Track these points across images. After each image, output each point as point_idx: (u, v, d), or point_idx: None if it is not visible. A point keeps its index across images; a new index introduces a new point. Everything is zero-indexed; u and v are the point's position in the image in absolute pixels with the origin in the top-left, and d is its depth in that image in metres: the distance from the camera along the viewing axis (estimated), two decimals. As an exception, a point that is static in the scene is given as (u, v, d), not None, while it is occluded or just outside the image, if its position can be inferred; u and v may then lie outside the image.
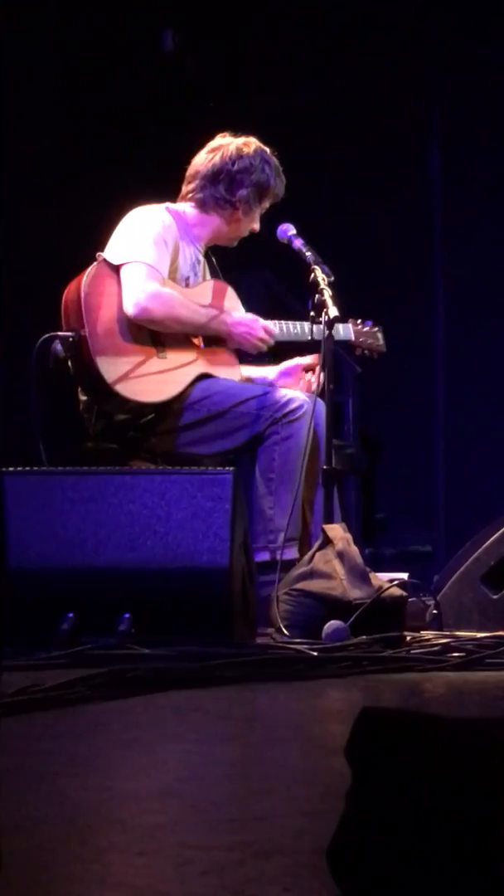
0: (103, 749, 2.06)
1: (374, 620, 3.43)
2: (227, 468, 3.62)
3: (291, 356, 4.46)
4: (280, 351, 4.45)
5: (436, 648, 3.31)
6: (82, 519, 3.44)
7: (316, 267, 4.01)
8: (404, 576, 3.95)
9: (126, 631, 3.23)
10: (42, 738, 2.13)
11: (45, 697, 2.42)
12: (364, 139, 6.26)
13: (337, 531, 3.66)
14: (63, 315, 4.01)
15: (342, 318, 3.97)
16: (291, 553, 3.93)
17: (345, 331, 4.40)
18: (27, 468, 3.54)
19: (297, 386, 4.26)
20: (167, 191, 4.38)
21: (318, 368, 4.00)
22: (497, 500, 5.17)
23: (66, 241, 4.68)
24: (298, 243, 4.15)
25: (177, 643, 3.13)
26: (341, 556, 3.59)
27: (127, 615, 3.25)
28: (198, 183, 4.27)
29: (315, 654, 3.12)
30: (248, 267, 4.80)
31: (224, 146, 4.28)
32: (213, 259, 4.41)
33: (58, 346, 3.97)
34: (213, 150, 4.29)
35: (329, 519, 3.76)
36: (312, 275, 3.99)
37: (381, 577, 3.72)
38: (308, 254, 4.08)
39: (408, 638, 3.48)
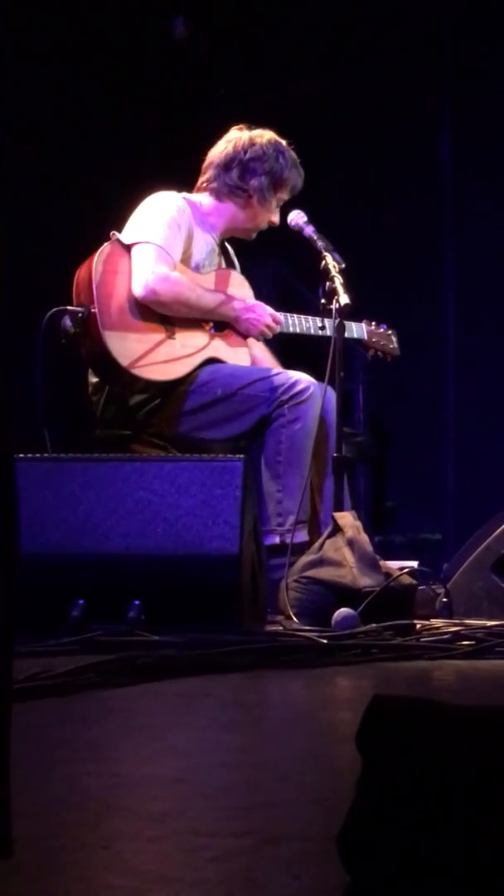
0: (113, 735, 2.07)
1: (383, 608, 3.43)
2: (237, 455, 3.62)
3: (299, 349, 4.46)
4: (288, 344, 4.45)
5: (446, 636, 3.31)
6: (92, 506, 3.44)
7: (327, 254, 4.00)
8: (414, 564, 3.94)
9: (136, 618, 3.23)
10: (52, 725, 2.13)
11: (55, 684, 2.43)
12: (374, 125, 6.24)
13: (347, 519, 3.66)
14: (74, 292, 4.01)
15: (352, 311, 3.96)
16: (301, 536, 3.93)
17: (358, 330, 4.42)
18: (37, 455, 3.54)
19: None
20: (177, 174, 4.38)
21: (329, 357, 3.99)
22: (507, 489, 5.16)
23: (76, 223, 4.67)
24: (309, 230, 4.14)
25: (186, 630, 3.14)
26: (351, 543, 3.59)
27: (137, 602, 3.25)
28: (212, 172, 4.28)
29: (325, 641, 3.12)
30: (259, 255, 4.79)
31: (238, 137, 4.29)
32: (230, 250, 4.41)
33: (67, 322, 3.97)
34: (227, 140, 4.30)
35: (339, 507, 3.75)
36: (323, 262, 3.98)
37: (391, 565, 3.72)
38: (319, 241, 4.07)
39: (417, 626, 3.48)
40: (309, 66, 6.17)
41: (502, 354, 6.26)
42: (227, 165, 4.26)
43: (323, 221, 4.22)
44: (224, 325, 4.22)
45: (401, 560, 4.08)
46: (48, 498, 3.43)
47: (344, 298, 3.86)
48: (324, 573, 3.55)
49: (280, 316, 4.24)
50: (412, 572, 3.71)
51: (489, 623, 3.55)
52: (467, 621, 3.66)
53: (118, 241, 4.06)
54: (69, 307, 3.98)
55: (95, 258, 4.00)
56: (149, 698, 2.47)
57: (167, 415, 4.05)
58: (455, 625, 3.56)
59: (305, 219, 4.19)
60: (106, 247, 4.04)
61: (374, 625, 3.35)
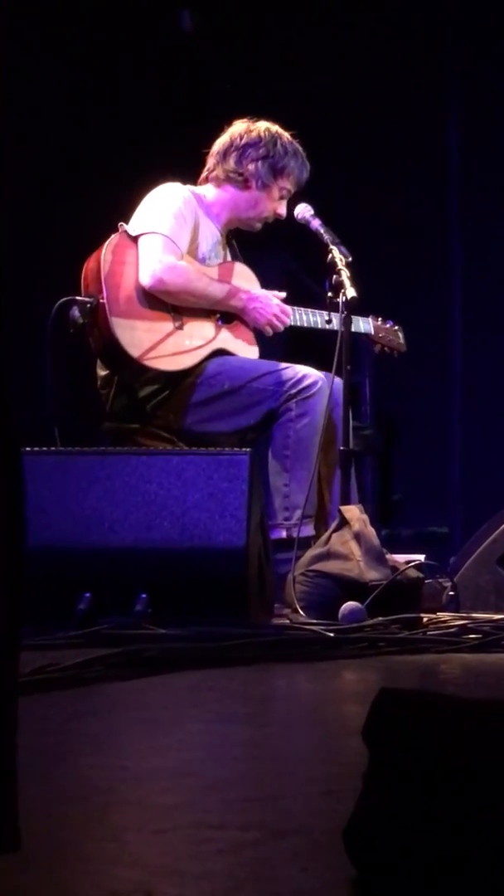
0: (119, 728, 2.07)
1: (390, 602, 3.43)
2: (243, 449, 3.62)
3: (306, 342, 4.46)
4: (294, 337, 4.45)
5: (452, 630, 3.31)
6: (99, 499, 3.45)
7: (334, 247, 3.99)
8: (421, 557, 3.94)
9: (142, 611, 3.23)
10: (59, 718, 2.13)
11: (62, 677, 2.43)
12: (380, 117, 6.23)
13: (354, 512, 3.66)
14: (82, 283, 4.02)
15: (359, 305, 3.96)
16: (308, 530, 3.94)
17: (365, 325, 4.43)
18: (43, 448, 3.55)
19: None
20: (183, 167, 4.38)
21: (336, 350, 3.99)
22: (514, 482, 5.16)
23: (81, 215, 4.67)
24: (316, 224, 4.14)
25: (193, 623, 3.14)
26: (358, 537, 3.59)
27: (143, 595, 3.26)
28: (211, 162, 4.31)
29: (331, 634, 3.12)
30: (265, 248, 4.78)
31: (236, 126, 4.31)
32: (235, 243, 4.41)
33: (75, 312, 3.97)
34: (225, 133, 4.32)
35: (346, 500, 3.75)
36: (330, 255, 3.98)
37: (398, 559, 3.72)
38: (326, 234, 4.07)
39: (424, 619, 3.48)
40: (314, 58, 6.15)
41: (510, 347, 6.25)
42: (224, 153, 4.28)
43: (329, 214, 4.21)
44: (232, 316, 4.23)
45: (407, 553, 4.07)
46: (55, 491, 3.44)
47: (350, 292, 3.86)
48: (331, 566, 3.55)
49: (288, 309, 4.24)
50: (419, 566, 3.71)
51: (496, 616, 3.55)
52: (474, 615, 3.66)
53: (125, 232, 4.07)
54: (78, 297, 3.99)
55: (104, 249, 4.01)
56: (155, 691, 2.47)
57: (175, 406, 4.05)
58: (462, 618, 3.56)
59: (312, 212, 4.19)
60: (114, 238, 4.05)
61: (380, 618, 3.35)
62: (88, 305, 3.95)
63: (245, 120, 4.32)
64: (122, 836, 1.30)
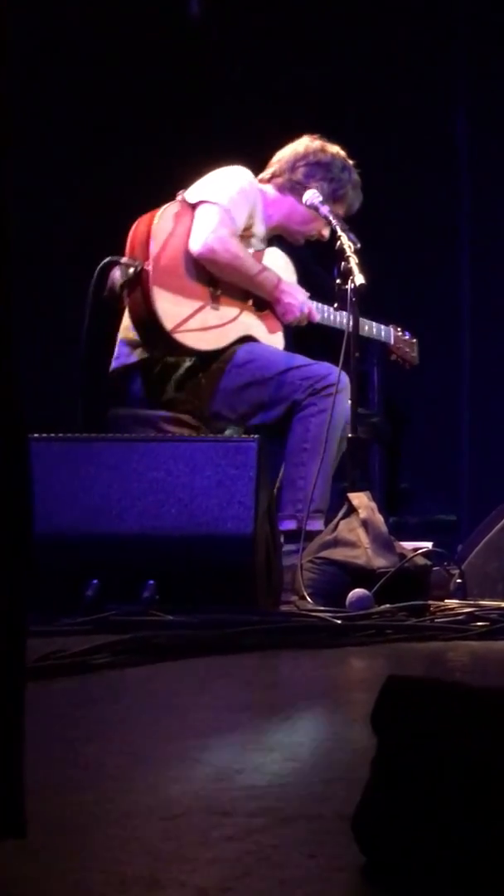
0: (127, 715, 2.07)
1: (398, 589, 3.43)
2: (251, 436, 3.61)
3: (314, 329, 4.47)
4: (305, 332, 4.45)
5: (460, 617, 3.31)
6: (107, 486, 3.44)
7: (342, 234, 3.99)
8: (428, 545, 3.94)
9: (150, 598, 3.23)
10: (66, 704, 2.13)
11: (69, 663, 2.43)
12: (389, 104, 6.21)
13: (362, 499, 3.66)
14: (128, 246, 4.01)
15: (367, 294, 3.95)
16: (317, 525, 3.94)
17: (386, 334, 4.48)
18: (52, 434, 3.54)
19: None
20: (190, 154, 4.39)
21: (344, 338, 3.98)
22: (522, 470, 5.15)
23: (87, 208, 4.66)
24: (325, 210, 4.14)
25: (200, 610, 3.14)
26: (366, 524, 3.59)
27: (151, 582, 3.26)
28: (278, 167, 4.37)
29: (339, 622, 3.12)
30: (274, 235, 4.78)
31: (310, 142, 4.38)
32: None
33: (116, 274, 3.96)
34: (299, 143, 4.39)
35: (354, 487, 3.75)
36: (339, 242, 3.97)
37: (406, 546, 3.72)
38: (334, 221, 4.07)
39: (432, 607, 3.48)
40: (324, 45, 6.13)
41: (519, 335, 6.24)
42: (294, 164, 4.33)
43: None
44: (264, 304, 4.25)
45: (415, 541, 4.07)
46: (62, 478, 3.44)
47: (359, 279, 3.85)
48: (338, 554, 3.55)
49: (316, 313, 4.27)
50: (426, 553, 3.71)
51: (503, 604, 3.55)
52: (482, 602, 3.66)
53: (184, 200, 4.07)
54: (123, 259, 3.96)
55: (157, 215, 4.01)
56: (163, 678, 2.47)
57: (202, 391, 4.05)
58: (469, 606, 3.55)
59: (321, 198, 4.18)
60: (170, 205, 4.05)
61: (388, 605, 3.35)
62: (131, 270, 3.93)
63: (317, 138, 4.38)
64: (130, 822, 1.30)
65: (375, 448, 5.57)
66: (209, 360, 4.05)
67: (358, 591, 3.38)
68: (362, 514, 3.61)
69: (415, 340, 4.61)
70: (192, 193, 4.11)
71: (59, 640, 2.63)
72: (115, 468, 3.46)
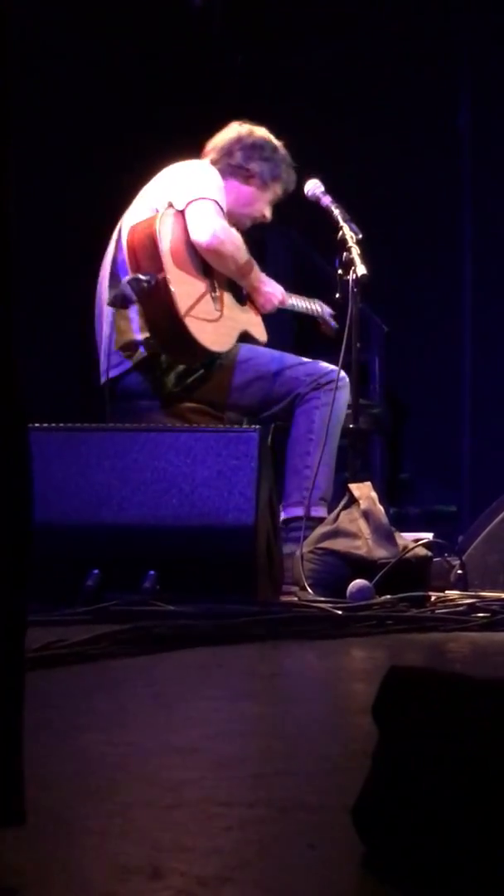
0: (127, 705, 2.07)
1: (398, 580, 3.43)
2: (252, 427, 3.61)
3: (315, 322, 4.48)
4: (301, 327, 4.45)
5: (460, 608, 3.31)
6: (108, 476, 3.44)
7: (344, 225, 3.99)
8: (429, 536, 3.94)
9: (151, 588, 3.23)
10: (66, 694, 2.13)
11: (69, 653, 2.43)
12: (392, 93, 6.20)
13: (363, 490, 3.66)
14: (131, 261, 3.98)
15: (369, 282, 3.96)
16: (321, 511, 3.97)
17: (321, 308, 4.51)
18: (52, 424, 3.54)
19: None
20: (194, 143, 4.38)
21: (346, 328, 3.99)
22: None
23: (89, 195, 4.66)
24: (326, 201, 4.13)
25: (201, 600, 3.14)
26: (367, 515, 3.59)
27: (152, 572, 3.26)
28: (214, 154, 4.35)
29: (339, 612, 3.12)
30: (274, 226, 4.78)
31: (239, 126, 4.38)
32: None
33: (127, 290, 3.94)
34: (229, 129, 4.38)
35: (355, 478, 3.76)
36: (340, 233, 3.97)
37: (406, 537, 3.72)
38: (336, 211, 4.06)
39: (432, 598, 3.48)
40: (326, 33, 6.12)
41: (520, 326, 6.24)
42: (230, 148, 4.33)
43: (340, 191, 4.20)
44: (244, 296, 4.27)
45: (416, 532, 4.07)
46: (64, 468, 3.44)
47: (361, 269, 3.85)
48: (339, 544, 3.55)
49: (287, 298, 4.32)
50: (427, 544, 3.71)
51: (504, 595, 3.55)
52: (482, 593, 3.66)
53: (172, 207, 4.05)
54: (140, 275, 3.94)
55: (157, 226, 3.98)
56: (163, 668, 2.47)
57: (217, 387, 4.08)
58: (470, 597, 3.56)
59: (322, 189, 4.18)
60: (162, 214, 4.02)
61: (388, 596, 3.35)
62: (146, 284, 3.91)
63: (244, 122, 4.39)
64: (130, 812, 1.30)
65: (376, 439, 5.58)
66: (221, 356, 4.08)
67: (359, 582, 3.38)
68: (363, 504, 3.61)
69: (334, 312, 4.64)
70: (176, 199, 4.07)
71: (59, 630, 2.63)
72: (116, 458, 3.46)
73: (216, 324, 4.07)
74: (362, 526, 3.57)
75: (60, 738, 1.70)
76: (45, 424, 3.52)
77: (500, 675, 1.18)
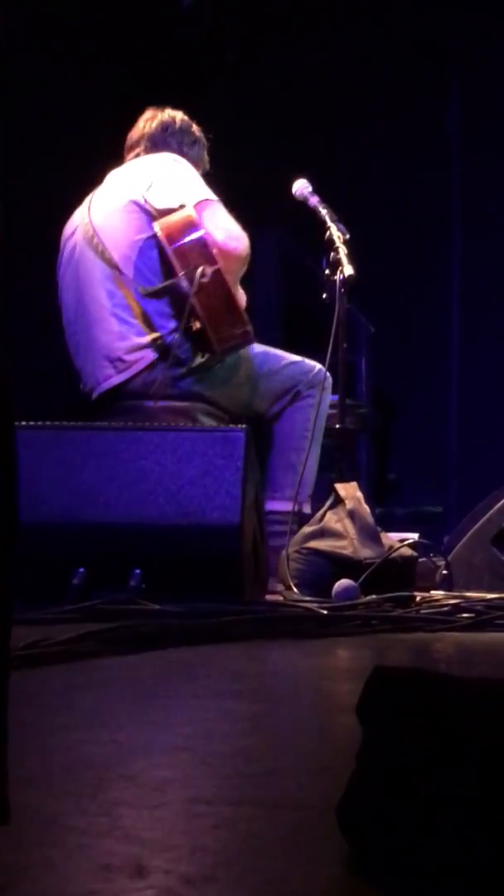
0: (113, 703, 2.07)
1: (384, 580, 3.44)
2: (239, 426, 3.62)
3: (302, 322, 4.48)
4: (291, 317, 4.45)
5: (446, 609, 3.32)
6: (94, 474, 3.44)
7: (332, 225, 3.99)
8: (415, 536, 3.95)
9: (137, 587, 3.24)
10: (52, 692, 2.13)
11: (55, 652, 2.43)
12: (381, 95, 6.21)
13: (349, 490, 3.66)
14: (178, 260, 3.93)
15: (356, 283, 3.95)
16: (308, 508, 4.00)
17: None
18: (38, 423, 3.54)
19: None
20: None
21: (333, 328, 3.99)
22: (509, 462, 5.16)
23: (80, 194, 4.64)
24: (314, 201, 4.13)
25: (187, 599, 3.14)
26: (352, 515, 3.59)
27: (138, 571, 3.26)
28: (146, 144, 4.24)
29: (325, 612, 3.13)
30: (261, 225, 4.78)
31: (160, 114, 4.31)
32: None
33: (184, 284, 3.90)
34: (149, 118, 4.31)
35: (341, 478, 3.77)
36: (328, 233, 3.97)
37: (392, 537, 3.72)
38: (324, 212, 4.06)
39: (417, 598, 3.49)
40: (316, 35, 6.13)
41: (507, 327, 6.25)
42: (164, 137, 4.25)
43: (327, 191, 4.20)
44: None
45: (402, 532, 4.08)
46: (50, 466, 3.44)
47: (348, 269, 3.86)
48: (325, 544, 3.56)
49: None
50: (413, 544, 3.72)
51: (489, 596, 3.56)
52: (467, 594, 3.67)
53: (187, 205, 4.01)
54: (197, 271, 3.91)
55: (204, 221, 3.95)
56: (149, 667, 2.47)
57: (228, 384, 4.07)
58: (455, 597, 3.57)
59: (310, 189, 4.18)
60: (197, 211, 3.99)
61: (374, 596, 3.35)
62: (203, 278, 3.89)
63: (155, 108, 4.31)
64: (115, 810, 1.30)
65: (363, 439, 5.58)
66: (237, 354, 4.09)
67: (344, 582, 3.38)
68: (349, 504, 3.62)
69: None
70: (189, 197, 4.02)
71: (45, 629, 2.63)
72: (102, 457, 3.46)
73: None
74: (348, 526, 3.57)
75: (45, 736, 1.70)
76: (32, 423, 3.52)
77: (484, 676, 1.19)
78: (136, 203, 4.03)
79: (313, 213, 4.12)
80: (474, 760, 1.04)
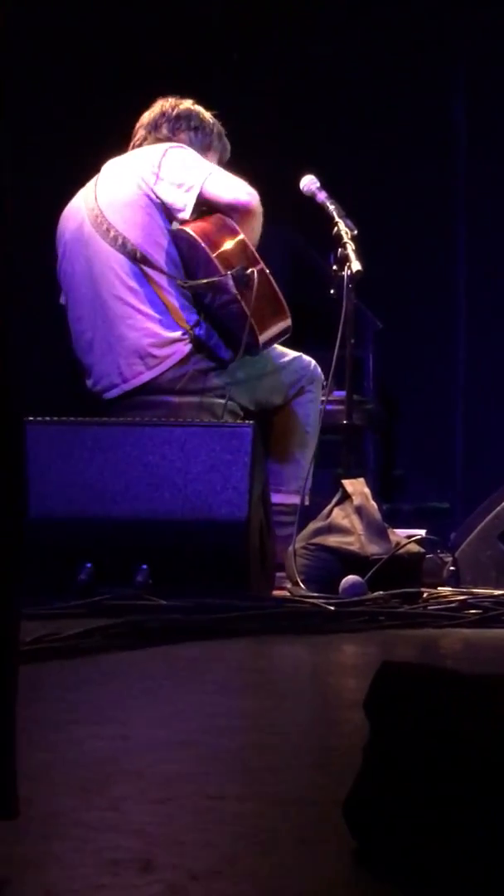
0: (120, 699, 2.07)
1: (391, 576, 3.43)
2: (246, 422, 3.62)
3: (307, 317, 4.47)
4: (297, 313, 4.44)
5: (452, 605, 3.31)
6: (101, 469, 3.44)
7: (339, 220, 3.98)
8: (422, 532, 3.95)
9: (143, 582, 3.23)
10: (59, 687, 2.14)
11: (62, 647, 2.44)
12: (388, 90, 6.20)
13: (356, 486, 3.66)
14: (221, 262, 3.91)
15: (363, 278, 3.94)
16: (307, 501, 4.00)
17: None
18: (46, 418, 3.54)
19: None
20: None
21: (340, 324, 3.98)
22: (516, 458, 5.15)
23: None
24: (322, 196, 4.12)
25: (193, 595, 3.14)
26: (360, 511, 3.59)
27: (144, 566, 3.26)
28: (142, 132, 4.23)
29: (332, 608, 3.13)
30: (268, 221, 4.77)
31: (163, 101, 4.27)
32: None
33: (229, 282, 3.89)
34: (153, 107, 4.28)
35: (348, 474, 3.76)
36: (336, 228, 3.96)
37: (399, 533, 3.72)
38: (331, 207, 4.05)
39: (424, 594, 3.48)
40: (321, 28, 6.12)
41: (514, 323, 6.24)
42: (156, 123, 4.21)
43: (335, 187, 4.19)
44: None
45: (409, 528, 4.08)
46: (57, 461, 3.43)
47: (356, 265, 3.85)
48: (332, 540, 3.56)
49: None
50: (420, 540, 3.71)
51: (496, 592, 3.55)
52: (474, 590, 3.66)
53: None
54: (246, 271, 3.90)
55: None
56: (156, 662, 2.48)
57: (247, 380, 4.07)
58: (462, 593, 3.56)
59: (318, 184, 4.16)
60: (204, 193, 3.96)
61: (381, 592, 3.35)
62: (247, 277, 3.87)
63: (169, 97, 4.29)
64: (122, 805, 1.30)
65: (369, 435, 5.58)
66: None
67: (351, 578, 3.38)
68: (356, 500, 3.61)
69: None
70: (208, 185, 4.00)
71: (51, 624, 2.63)
72: (109, 452, 3.46)
73: None
74: (355, 522, 3.57)
75: (53, 731, 1.70)
76: (39, 418, 3.52)
77: (491, 672, 1.18)
78: (148, 197, 4.00)
79: (321, 208, 4.11)
80: (480, 756, 1.04)
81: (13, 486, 1.10)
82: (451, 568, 3.84)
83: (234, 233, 3.94)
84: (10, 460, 1.10)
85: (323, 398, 4.09)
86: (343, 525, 3.58)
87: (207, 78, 5.49)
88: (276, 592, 3.59)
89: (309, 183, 4.18)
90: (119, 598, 3.11)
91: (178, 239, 3.98)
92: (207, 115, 4.26)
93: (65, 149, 5.13)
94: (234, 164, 4.25)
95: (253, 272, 3.87)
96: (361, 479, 3.75)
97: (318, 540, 3.59)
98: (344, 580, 3.38)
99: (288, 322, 3.97)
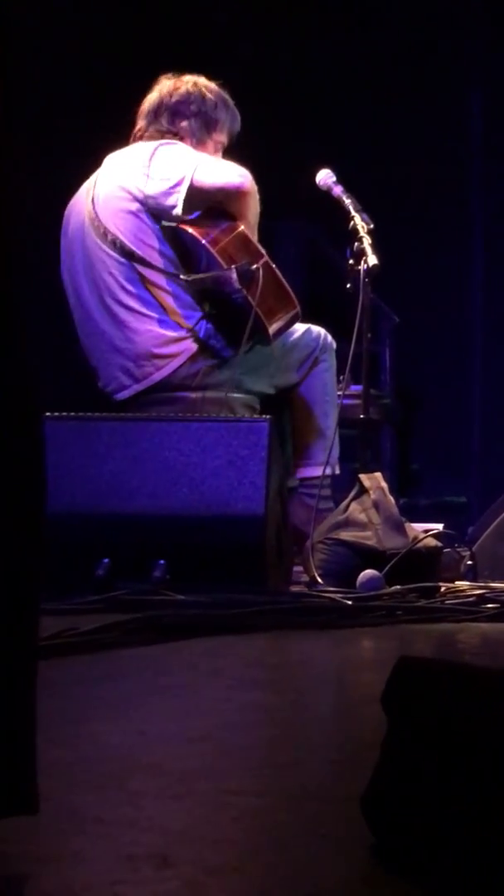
0: (137, 694, 2.08)
1: (408, 570, 3.43)
2: (263, 416, 3.62)
3: (324, 311, 4.46)
4: (313, 305, 4.43)
5: (470, 599, 3.31)
6: (118, 465, 3.45)
7: (356, 214, 3.97)
8: (439, 526, 3.94)
9: (161, 577, 3.24)
10: (77, 683, 2.14)
11: (80, 642, 2.44)
12: (404, 82, 6.18)
13: (373, 481, 3.66)
14: (222, 257, 3.89)
15: (380, 272, 3.93)
16: (336, 470, 4.07)
17: None
18: (63, 413, 3.54)
19: None
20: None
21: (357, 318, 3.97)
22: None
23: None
24: (338, 190, 4.11)
25: (211, 590, 3.14)
26: (377, 505, 3.59)
27: (162, 562, 3.26)
28: (142, 122, 4.19)
29: (349, 603, 3.13)
30: (285, 215, 4.76)
31: (163, 84, 4.21)
32: None
33: (233, 277, 3.89)
34: (152, 94, 4.21)
35: (365, 468, 3.76)
36: (352, 222, 3.96)
37: (416, 528, 3.72)
38: (348, 201, 4.04)
39: (442, 588, 3.48)
40: (337, 22, 6.11)
41: (530, 317, 6.23)
42: (155, 112, 4.16)
43: (351, 181, 4.18)
44: None
45: (426, 522, 4.07)
46: (75, 457, 3.44)
47: (372, 259, 3.84)
48: (349, 535, 3.56)
49: None
50: (437, 535, 3.71)
51: (514, 586, 3.55)
52: (492, 584, 3.66)
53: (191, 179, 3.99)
54: (251, 267, 3.89)
55: (204, 184, 3.92)
56: (173, 657, 2.48)
57: (259, 367, 4.07)
58: (480, 588, 3.55)
59: (334, 178, 4.15)
60: (195, 182, 3.95)
61: (398, 587, 3.35)
62: (251, 271, 3.87)
63: (170, 76, 4.21)
64: (139, 801, 1.31)
65: (386, 429, 5.57)
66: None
67: (368, 573, 3.38)
68: (373, 495, 3.61)
69: None
70: (199, 175, 3.98)
71: (70, 619, 2.64)
72: (127, 447, 3.47)
73: None
74: (372, 516, 3.57)
75: (71, 726, 1.70)
76: (56, 413, 3.52)
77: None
78: (136, 198, 3.97)
79: (337, 202, 4.10)
80: (498, 751, 1.04)
81: (34, 482, 1.10)
82: (469, 562, 3.83)
83: (233, 228, 3.94)
84: (30, 456, 1.10)
85: (340, 393, 4.08)
86: (360, 519, 3.58)
87: (220, 70, 5.49)
88: (294, 587, 3.59)
89: (325, 177, 4.17)
90: (136, 593, 3.11)
91: (179, 237, 3.98)
92: (208, 89, 4.19)
93: (72, 139, 5.13)
94: (248, 157, 4.23)
95: (258, 268, 3.87)
96: (378, 474, 3.75)
97: (335, 534, 3.58)
98: (361, 575, 3.38)
99: (296, 309, 3.97)
